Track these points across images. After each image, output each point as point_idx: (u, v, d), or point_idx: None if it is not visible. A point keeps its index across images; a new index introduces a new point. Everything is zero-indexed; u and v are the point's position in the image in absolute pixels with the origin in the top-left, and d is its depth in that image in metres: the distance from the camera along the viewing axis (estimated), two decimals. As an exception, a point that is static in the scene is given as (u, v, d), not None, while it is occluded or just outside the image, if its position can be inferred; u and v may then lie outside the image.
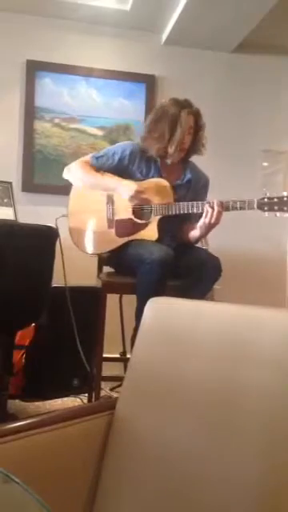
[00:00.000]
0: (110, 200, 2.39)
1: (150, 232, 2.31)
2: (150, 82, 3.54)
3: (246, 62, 3.69)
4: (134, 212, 2.36)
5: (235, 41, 3.51)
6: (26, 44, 3.39)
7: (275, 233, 3.66)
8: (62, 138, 3.45)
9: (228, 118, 3.64)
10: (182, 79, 3.53)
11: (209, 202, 2.22)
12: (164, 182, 2.34)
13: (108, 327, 2.44)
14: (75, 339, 2.35)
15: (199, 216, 2.25)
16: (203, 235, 2.36)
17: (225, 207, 2.19)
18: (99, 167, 2.41)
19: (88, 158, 2.45)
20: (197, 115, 2.33)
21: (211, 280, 2.24)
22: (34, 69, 3.40)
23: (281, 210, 2.12)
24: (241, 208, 2.17)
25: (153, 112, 2.45)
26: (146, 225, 2.33)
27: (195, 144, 2.38)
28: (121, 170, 2.38)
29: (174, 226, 2.37)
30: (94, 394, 2.49)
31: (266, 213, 2.14)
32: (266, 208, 2.14)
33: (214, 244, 2.94)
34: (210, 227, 2.25)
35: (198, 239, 2.39)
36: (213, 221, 2.20)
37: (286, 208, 2.12)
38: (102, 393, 2.65)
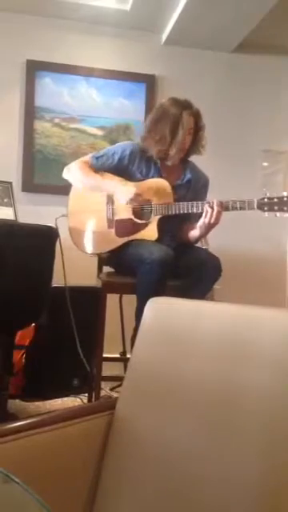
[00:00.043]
0: (110, 200, 2.39)
1: (150, 232, 2.31)
2: (150, 82, 3.54)
3: (246, 61, 3.69)
4: (134, 212, 2.36)
5: (235, 41, 3.51)
6: (26, 44, 3.40)
7: (275, 233, 3.66)
8: (62, 138, 3.46)
9: (228, 118, 3.64)
10: (182, 79, 3.53)
11: (208, 202, 2.22)
12: (164, 182, 2.34)
13: (108, 327, 2.44)
14: (75, 339, 2.35)
15: (199, 216, 2.25)
16: (203, 235, 2.36)
17: (225, 207, 2.19)
18: (99, 167, 2.41)
19: (88, 158, 2.45)
20: (197, 116, 2.33)
21: (211, 280, 2.24)
22: (34, 69, 3.40)
23: (281, 210, 2.13)
24: (241, 208, 2.17)
25: (153, 112, 2.45)
26: (145, 225, 2.33)
27: (195, 144, 2.38)
28: (121, 169, 2.38)
29: (173, 226, 2.37)
30: (94, 394, 2.49)
31: (266, 213, 2.15)
32: (265, 208, 2.14)
33: (214, 244, 2.94)
34: (209, 227, 2.25)
35: (197, 239, 2.39)
36: (212, 221, 2.20)
37: (286, 208, 2.12)
38: (102, 393, 2.65)
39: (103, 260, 2.56)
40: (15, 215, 2.36)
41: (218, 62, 3.65)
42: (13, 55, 3.37)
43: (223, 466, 0.95)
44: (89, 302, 2.42)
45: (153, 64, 3.55)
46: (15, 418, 2.14)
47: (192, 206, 2.25)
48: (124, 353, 2.89)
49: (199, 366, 1.07)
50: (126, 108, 3.53)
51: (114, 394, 2.75)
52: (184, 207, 2.26)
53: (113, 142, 3.26)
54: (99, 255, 2.54)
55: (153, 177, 2.37)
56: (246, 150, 3.66)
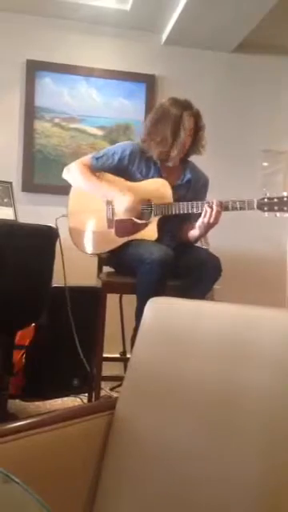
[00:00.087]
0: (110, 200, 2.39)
1: (150, 232, 2.31)
2: (150, 82, 3.54)
3: (246, 61, 3.69)
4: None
5: (235, 41, 3.51)
6: (26, 44, 3.40)
7: (275, 233, 3.66)
8: (62, 138, 3.46)
9: (228, 118, 3.64)
10: (182, 79, 3.53)
11: (208, 202, 2.22)
12: (163, 182, 2.33)
13: (108, 327, 2.44)
14: (75, 339, 2.35)
15: (199, 216, 2.25)
16: (202, 235, 2.36)
17: (224, 207, 2.19)
18: (99, 168, 2.41)
19: (88, 158, 2.45)
20: (197, 116, 2.33)
21: (211, 280, 2.24)
22: (34, 69, 3.40)
23: (281, 210, 2.12)
24: (241, 208, 2.17)
25: (152, 112, 2.44)
26: (145, 225, 2.33)
27: (195, 145, 2.38)
28: (121, 169, 2.38)
29: (173, 226, 2.37)
30: (94, 394, 2.49)
31: (266, 213, 2.15)
32: (265, 208, 2.14)
33: (214, 244, 2.94)
34: (208, 227, 2.25)
35: (197, 239, 2.39)
36: (211, 220, 2.20)
37: (285, 208, 2.12)
38: (102, 393, 2.65)
39: (103, 260, 2.56)
40: (15, 215, 2.36)
41: (218, 62, 3.65)
42: (13, 55, 3.37)
43: (223, 465, 0.95)
44: (89, 302, 2.42)
45: (153, 64, 3.55)
46: (15, 418, 2.14)
47: (192, 206, 2.25)
48: (124, 353, 2.89)
49: (199, 365, 1.07)
50: (126, 108, 3.54)
51: (114, 394, 2.75)
52: (184, 207, 2.26)
53: (113, 142, 3.26)
54: (99, 255, 2.54)
55: (153, 177, 2.37)
56: (245, 150, 3.66)
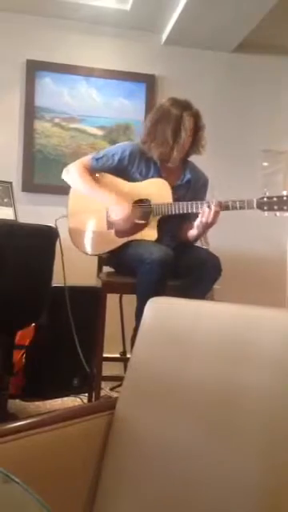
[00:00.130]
0: None
1: (150, 232, 2.31)
2: (150, 82, 3.54)
3: (246, 61, 3.69)
4: (134, 212, 2.36)
5: (235, 41, 3.51)
6: (26, 44, 3.40)
7: (275, 233, 3.66)
8: (62, 138, 3.46)
9: (228, 118, 3.64)
10: (182, 79, 3.53)
11: (207, 202, 2.22)
12: (163, 182, 2.33)
13: (108, 327, 2.44)
14: (75, 339, 2.35)
15: (198, 216, 2.25)
16: (201, 234, 2.36)
17: (224, 207, 2.19)
18: (99, 169, 2.41)
19: (87, 160, 2.44)
20: (197, 116, 2.33)
21: (211, 280, 2.24)
22: (34, 69, 3.40)
23: (280, 209, 2.12)
24: (240, 208, 2.17)
25: (152, 112, 2.44)
26: (145, 225, 2.33)
27: (195, 145, 2.37)
28: (120, 170, 2.38)
29: (173, 226, 2.37)
30: (94, 394, 2.49)
31: (266, 212, 2.14)
32: (265, 207, 2.14)
33: (214, 244, 2.94)
34: (206, 227, 2.25)
35: (195, 238, 2.39)
36: (209, 220, 2.20)
37: (285, 207, 2.11)
38: (102, 392, 2.65)
39: (103, 260, 2.56)
40: (15, 215, 2.36)
41: (218, 62, 3.65)
42: (13, 55, 3.37)
43: (223, 465, 0.95)
44: (89, 301, 2.42)
45: (153, 64, 3.55)
46: (15, 418, 2.14)
47: (191, 206, 2.25)
48: (124, 353, 2.89)
49: (199, 366, 1.07)
50: (126, 108, 3.54)
51: (114, 394, 2.75)
52: (183, 207, 2.26)
53: (113, 142, 3.27)
54: (99, 255, 2.54)
55: (152, 177, 2.37)
56: (246, 150, 3.66)
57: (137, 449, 1.10)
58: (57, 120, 3.45)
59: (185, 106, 2.31)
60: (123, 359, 2.80)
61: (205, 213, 2.19)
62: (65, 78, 3.46)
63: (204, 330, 1.11)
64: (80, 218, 2.44)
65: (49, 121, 3.44)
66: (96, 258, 2.59)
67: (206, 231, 2.33)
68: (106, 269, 2.56)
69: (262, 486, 0.90)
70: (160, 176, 2.36)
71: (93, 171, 2.43)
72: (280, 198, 2.12)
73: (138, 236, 2.33)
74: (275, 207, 2.12)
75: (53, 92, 3.44)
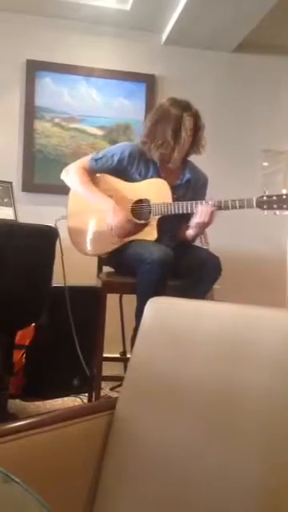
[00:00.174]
0: None
1: (150, 232, 2.32)
2: (150, 82, 3.54)
3: (246, 61, 3.69)
4: (133, 212, 2.36)
5: (235, 41, 3.51)
6: (26, 44, 3.40)
7: (275, 233, 3.66)
8: (62, 138, 3.46)
9: (228, 118, 3.64)
10: (182, 79, 3.53)
11: (202, 202, 2.22)
12: (162, 182, 2.33)
13: (108, 327, 2.44)
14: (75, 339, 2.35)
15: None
16: (198, 234, 2.35)
17: (224, 206, 2.19)
18: (98, 169, 2.41)
19: (87, 160, 2.44)
20: (196, 117, 2.33)
21: (211, 280, 2.24)
22: (34, 69, 3.40)
23: (280, 208, 2.12)
24: (240, 207, 2.16)
25: (152, 112, 2.44)
26: (145, 225, 2.33)
27: (195, 145, 2.37)
28: (120, 171, 2.38)
29: (173, 226, 2.37)
30: (94, 394, 2.49)
31: (265, 211, 2.14)
32: (265, 206, 2.13)
33: (214, 244, 2.94)
34: (202, 226, 2.26)
35: (193, 238, 2.39)
36: (205, 220, 2.20)
37: (285, 206, 2.11)
38: (102, 392, 2.65)
39: (103, 260, 2.56)
40: (15, 215, 2.36)
41: (218, 62, 3.65)
42: (13, 55, 3.37)
43: (223, 466, 0.95)
44: (89, 301, 2.42)
45: (153, 64, 3.55)
46: (15, 418, 2.14)
47: (191, 206, 2.25)
48: (124, 353, 2.89)
49: (199, 366, 1.07)
50: (126, 108, 3.54)
51: (115, 394, 2.75)
52: (183, 207, 2.26)
53: (113, 142, 3.27)
54: (99, 256, 2.54)
55: (152, 177, 2.37)
56: (245, 150, 3.66)
57: (137, 449, 1.10)
58: (57, 120, 3.45)
59: (184, 106, 2.31)
60: (123, 359, 2.80)
61: (202, 213, 2.19)
62: (65, 78, 3.45)
63: (204, 330, 1.11)
64: (80, 218, 2.44)
65: (49, 121, 3.44)
66: (96, 258, 2.59)
67: (202, 231, 2.32)
68: (106, 269, 2.56)
69: (261, 486, 0.90)
70: (159, 176, 2.36)
71: (92, 172, 2.43)
72: (279, 196, 2.11)
73: (137, 236, 2.33)
74: (275, 206, 2.12)
75: (53, 92, 3.44)
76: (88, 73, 3.48)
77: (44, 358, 2.43)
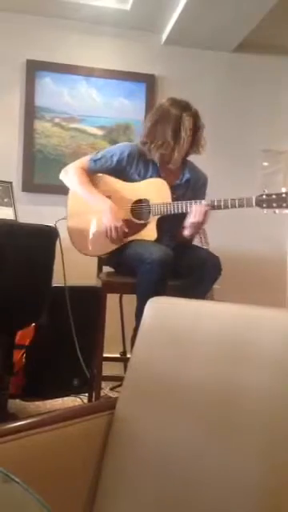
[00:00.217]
0: None
1: (149, 232, 2.31)
2: (150, 82, 3.54)
3: (246, 61, 3.69)
4: (133, 212, 2.36)
5: (235, 41, 3.51)
6: (27, 44, 3.40)
7: (275, 233, 3.66)
8: (62, 138, 3.46)
9: (228, 118, 3.64)
10: (182, 79, 3.53)
11: (196, 202, 2.22)
12: (162, 182, 2.33)
13: (108, 327, 2.44)
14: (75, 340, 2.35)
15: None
16: (193, 234, 2.34)
17: (217, 205, 2.19)
18: (97, 170, 2.41)
19: (86, 161, 2.44)
20: (195, 117, 2.32)
21: (211, 279, 2.24)
22: (34, 69, 3.40)
23: (279, 206, 2.11)
24: (239, 205, 2.16)
25: (152, 112, 2.43)
26: (144, 225, 2.33)
27: (194, 144, 2.37)
28: (119, 171, 2.38)
29: (172, 226, 2.37)
30: (94, 394, 2.49)
31: (265, 210, 2.14)
32: (264, 205, 2.13)
33: (214, 243, 2.94)
34: (197, 226, 2.25)
35: (189, 238, 2.37)
36: (199, 220, 2.20)
37: (284, 204, 2.10)
38: (102, 392, 2.65)
39: (103, 260, 2.56)
40: (15, 215, 2.36)
41: (218, 62, 3.65)
42: (13, 55, 3.37)
43: (223, 466, 0.95)
44: (89, 301, 2.42)
45: (153, 64, 3.55)
46: (15, 418, 2.14)
47: (190, 206, 2.24)
48: (124, 353, 2.89)
49: (199, 366, 1.07)
50: (126, 108, 3.54)
51: (115, 394, 2.75)
52: (182, 207, 2.26)
53: (113, 142, 3.27)
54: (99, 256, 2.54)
55: (151, 177, 2.36)
56: (245, 150, 3.66)
57: (137, 449, 1.10)
58: (57, 120, 3.45)
59: (184, 106, 2.31)
60: (123, 359, 2.80)
61: (194, 212, 2.19)
62: (65, 77, 3.46)
63: (204, 329, 1.11)
64: (79, 218, 2.44)
65: (49, 121, 3.44)
66: (96, 258, 2.59)
67: (197, 231, 2.32)
68: (106, 269, 2.56)
69: (262, 486, 0.90)
70: (159, 176, 2.36)
71: (91, 172, 2.43)
72: (279, 195, 2.11)
73: (137, 236, 2.33)
74: (274, 204, 2.12)
75: (53, 92, 3.44)
76: (88, 73, 3.48)
77: (44, 358, 2.42)
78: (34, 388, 2.42)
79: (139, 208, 2.36)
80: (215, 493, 0.95)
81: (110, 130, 3.51)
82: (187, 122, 2.28)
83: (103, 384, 2.58)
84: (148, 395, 1.14)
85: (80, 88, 3.49)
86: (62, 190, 2.57)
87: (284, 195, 2.10)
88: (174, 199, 2.30)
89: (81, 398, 2.67)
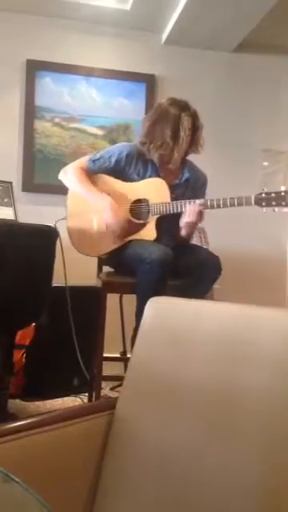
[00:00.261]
0: None
1: (149, 232, 2.31)
2: (150, 82, 3.54)
3: (246, 61, 3.69)
4: (132, 212, 2.36)
5: (235, 41, 3.51)
6: (27, 44, 3.40)
7: (275, 232, 3.66)
8: (62, 138, 3.46)
9: (228, 118, 3.64)
10: (182, 79, 3.53)
11: (190, 201, 2.22)
12: (161, 181, 2.33)
13: (108, 327, 2.44)
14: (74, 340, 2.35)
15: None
16: (189, 234, 2.33)
17: (218, 204, 2.19)
18: (96, 170, 2.41)
19: (85, 161, 2.44)
20: (194, 116, 2.32)
21: (211, 279, 2.24)
22: (34, 68, 3.40)
23: (279, 205, 2.10)
24: (238, 204, 2.16)
25: (151, 112, 2.43)
26: (144, 225, 2.33)
27: (193, 144, 2.37)
28: (117, 171, 2.38)
29: (172, 226, 2.36)
30: (94, 394, 2.49)
31: (264, 208, 2.13)
32: (263, 203, 2.12)
33: (214, 243, 2.95)
34: (192, 226, 2.25)
35: (186, 237, 2.37)
36: (193, 219, 2.20)
37: (283, 203, 2.09)
38: (102, 392, 2.65)
39: (103, 260, 2.56)
40: (15, 215, 2.36)
41: (218, 62, 3.65)
42: (13, 55, 3.37)
43: (223, 466, 0.95)
44: (89, 301, 2.42)
45: (153, 64, 3.56)
46: (15, 418, 2.14)
47: (184, 205, 2.24)
48: (124, 352, 2.89)
49: (199, 366, 1.07)
50: (126, 108, 3.54)
51: (115, 394, 2.75)
52: (182, 206, 2.25)
53: (113, 142, 3.27)
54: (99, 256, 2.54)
55: (150, 177, 2.36)
56: (245, 150, 3.66)
57: (137, 449, 1.10)
58: (57, 120, 3.45)
59: (183, 106, 2.31)
60: (123, 359, 2.80)
61: (188, 212, 2.19)
62: (65, 77, 3.46)
63: (204, 329, 1.11)
64: (79, 219, 2.44)
65: (49, 120, 3.44)
66: (96, 258, 2.59)
67: (193, 230, 2.32)
68: (106, 269, 2.56)
69: (262, 486, 0.90)
70: (158, 175, 2.36)
71: (90, 173, 2.43)
72: (278, 193, 2.10)
73: (136, 236, 2.33)
74: (273, 203, 2.11)
75: (53, 92, 3.44)
76: (88, 73, 3.48)
77: (44, 358, 2.43)
78: (34, 388, 2.42)
79: (138, 208, 2.36)
80: (215, 493, 0.95)
81: (109, 130, 3.52)
82: (186, 121, 2.28)
83: (103, 384, 2.58)
84: (148, 395, 1.14)
85: (80, 88, 3.49)
86: (62, 190, 2.57)
87: (283, 193, 2.09)
88: (173, 199, 2.30)
89: (81, 398, 2.67)
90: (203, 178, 2.50)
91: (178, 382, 1.09)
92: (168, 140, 2.28)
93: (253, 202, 2.13)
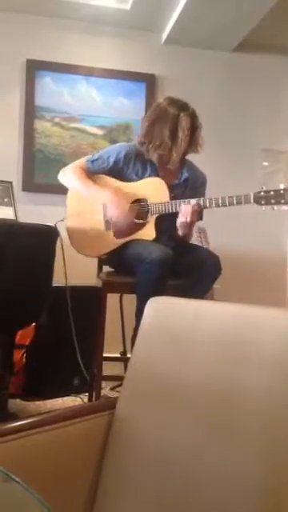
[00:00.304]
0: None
1: (148, 231, 2.31)
2: (150, 82, 3.54)
3: (246, 61, 3.69)
4: (132, 211, 2.36)
5: (235, 40, 3.51)
6: (26, 44, 3.40)
7: (275, 232, 3.66)
8: (62, 138, 3.46)
9: (228, 118, 3.64)
10: (182, 78, 3.53)
11: (184, 201, 2.22)
12: (160, 181, 2.33)
13: (108, 327, 2.44)
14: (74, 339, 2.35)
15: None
16: (186, 233, 2.33)
17: (222, 203, 2.18)
18: (95, 171, 2.41)
19: (83, 162, 2.43)
20: (193, 116, 2.32)
21: (211, 279, 2.23)
22: (34, 68, 3.40)
23: (278, 203, 2.09)
24: (237, 203, 2.14)
25: (150, 112, 2.42)
26: (143, 224, 2.33)
27: (193, 144, 2.37)
28: (116, 172, 2.38)
29: (170, 226, 2.35)
30: (94, 394, 2.49)
31: (263, 207, 2.12)
32: (262, 202, 2.11)
33: (214, 243, 2.95)
34: (187, 226, 2.24)
35: (184, 237, 2.36)
36: (188, 219, 2.20)
37: (282, 201, 2.08)
38: (102, 392, 2.65)
39: (103, 260, 2.56)
40: (15, 215, 2.36)
41: (218, 62, 3.65)
42: (13, 55, 3.37)
43: (223, 466, 0.95)
44: (89, 301, 2.42)
45: (153, 63, 3.56)
46: (16, 418, 2.14)
47: (179, 205, 2.24)
48: (124, 352, 2.89)
49: (199, 366, 1.07)
50: (125, 107, 3.54)
51: (115, 394, 2.76)
52: (178, 206, 2.25)
53: (113, 142, 3.27)
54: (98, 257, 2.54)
55: (149, 176, 2.36)
56: (245, 150, 3.66)
57: (137, 448, 1.11)
58: (57, 119, 3.45)
59: (182, 105, 2.30)
60: (123, 359, 2.80)
61: (183, 212, 2.19)
62: (65, 77, 3.46)
63: (204, 329, 1.11)
64: (78, 219, 2.44)
65: (49, 120, 3.44)
66: (96, 258, 2.59)
67: (189, 230, 2.31)
68: (106, 269, 2.55)
69: (262, 486, 0.90)
70: (157, 175, 2.36)
71: (89, 173, 2.42)
72: (277, 191, 2.09)
73: (136, 236, 2.33)
74: (272, 201, 2.10)
75: (53, 92, 3.44)
76: (88, 72, 3.48)
77: (44, 358, 2.43)
78: (35, 388, 2.42)
79: (138, 207, 2.36)
80: (215, 493, 0.95)
81: (109, 130, 3.52)
82: (184, 121, 2.28)
83: (103, 384, 2.58)
84: (148, 395, 1.14)
85: (80, 88, 3.49)
86: (62, 190, 2.57)
87: (282, 191, 2.08)
88: (172, 198, 2.29)
89: (81, 398, 2.67)
90: (202, 177, 2.49)
91: (178, 382, 1.09)
92: (166, 140, 2.27)
93: (252, 201, 2.12)
